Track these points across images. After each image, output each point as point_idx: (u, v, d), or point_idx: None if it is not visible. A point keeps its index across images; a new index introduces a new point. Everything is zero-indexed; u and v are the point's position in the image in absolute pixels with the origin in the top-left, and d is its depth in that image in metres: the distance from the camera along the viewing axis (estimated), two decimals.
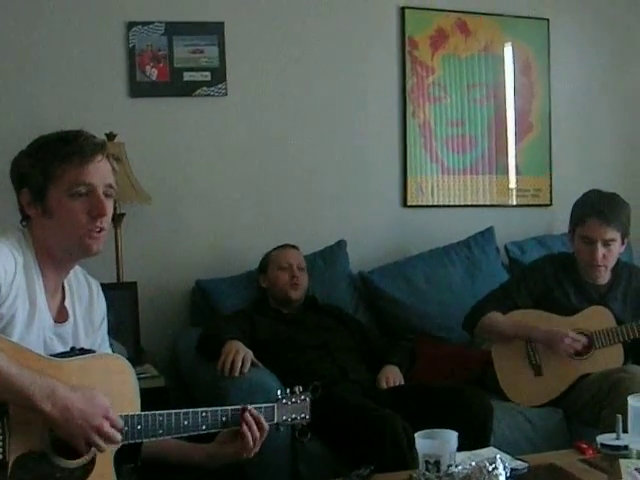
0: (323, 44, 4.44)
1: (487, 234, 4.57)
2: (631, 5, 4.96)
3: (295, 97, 4.40)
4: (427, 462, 2.30)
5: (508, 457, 2.46)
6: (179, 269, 4.20)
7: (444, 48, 4.64)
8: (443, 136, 4.66)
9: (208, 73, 4.24)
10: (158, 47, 4.17)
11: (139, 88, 4.16)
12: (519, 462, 2.48)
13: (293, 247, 3.96)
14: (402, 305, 4.23)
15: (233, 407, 2.42)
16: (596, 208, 3.64)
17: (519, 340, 3.70)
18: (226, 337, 3.37)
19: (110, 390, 2.17)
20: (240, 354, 3.25)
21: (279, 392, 2.56)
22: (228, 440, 2.44)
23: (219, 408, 2.39)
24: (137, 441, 2.21)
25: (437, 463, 2.29)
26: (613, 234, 3.63)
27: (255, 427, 2.41)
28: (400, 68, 4.57)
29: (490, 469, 2.22)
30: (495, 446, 2.75)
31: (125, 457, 2.24)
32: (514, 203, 4.84)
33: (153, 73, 4.17)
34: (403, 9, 4.55)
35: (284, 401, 2.53)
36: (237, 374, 3.20)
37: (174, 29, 4.18)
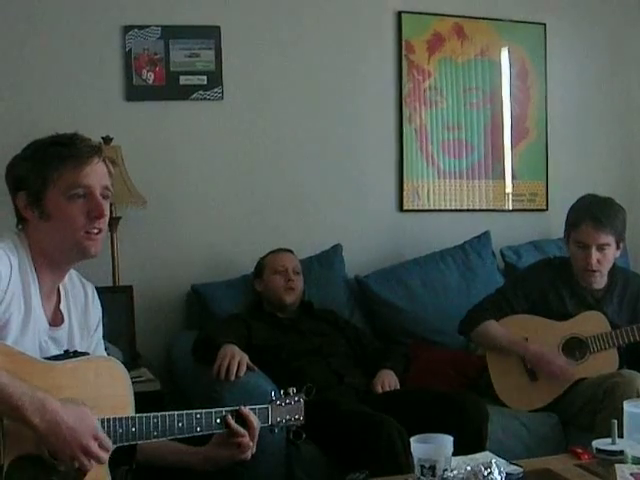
0: (319, 48, 4.44)
1: (483, 239, 4.57)
2: (627, 10, 4.96)
3: (291, 101, 4.40)
4: (422, 467, 2.30)
5: (503, 462, 2.45)
6: (175, 273, 4.20)
7: (441, 52, 4.64)
8: (439, 140, 4.66)
9: (204, 77, 4.24)
10: (154, 51, 4.17)
11: (135, 92, 4.16)
12: (514, 467, 2.47)
13: (288, 251, 3.96)
14: (398, 309, 4.24)
15: (227, 409, 2.41)
16: (590, 213, 3.64)
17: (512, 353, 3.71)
18: (221, 341, 3.36)
19: (104, 393, 2.18)
20: (236, 358, 3.25)
21: (273, 393, 2.56)
22: (224, 442, 2.44)
23: (213, 410, 2.38)
24: (131, 443, 2.21)
25: (432, 468, 2.28)
26: (607, 239, 3.63)
27: (243, 430, 2.40)
28: (396, 72, 4.57)
29: (485, 474, 2.22)
30: (490, 451, 2.75)
31: (120, 459, 2.23)
32: (510, 208, 4.84)
33: (149, 77, 4.17)
34: (400, 13, 4.56)
35: (278, 402, 2.53)
36: (233, 378, 3.19)
37: (170, 33, 4.18)
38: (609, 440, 2.59)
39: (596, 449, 2.60)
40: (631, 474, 2.38)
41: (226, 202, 4.30)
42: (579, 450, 2.71)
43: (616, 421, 2.58)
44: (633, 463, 2.44)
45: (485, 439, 3.17)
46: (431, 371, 3.89)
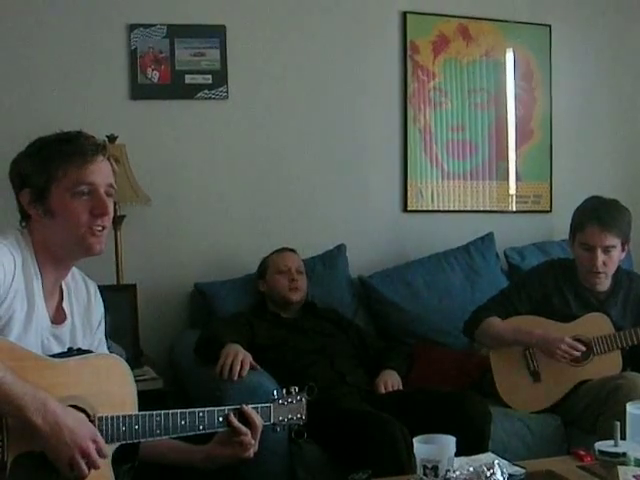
0: (324, 48, 4.45)
1: (487, 240, 4.57)
2: (632, 12, 4.96)
3: (296, 100, 4.41)
4: (425, 467, 2.30)
5: (506, 463, 2.45)
6: (178, 272, 4.20)
7: (445, 53, 4.64)
8: (444, 141, 4.66)
9: (209, 76, 4.24)
10: (160, 50, 4.17)
11: (140, 90, 4.17)
12: (517, 468, 2.48)
13: (291, 250, 3.96)
14: (401, 310, 4.24)
15: (230, 407, 2.42)
16: (596, 214, 3.63)
17: (518, 345, 3.70)
18: (225, 340, 3.37)
19: (107, 390, 2.18)
20: (239, 357, 3.25)
21: (275, 392, 2.56)
22: (226, 440, 2.44)
23: (216, 408, 2.39)
24: (135, 441, 2.21)
25: (435, 468, 2.28)
26: (613, 240, 3.63)
27: (245, 429, 2.40)
28: (401, 73, 4.57)
29: (488, 474, 2.22)
30: (493, 452, 2.75)
31: (123, 457, 2.24)
32: (514, 209, 4.84)
33: (154, 76, 4.17)
34: (405, 14, 4.55)
35: (280, 401, 2.54)
36: (236, 377, 3.19)
37: (176, 32, 4.19)
38: (612, 442, 2.58)
39: (599, 451, 2.59)
40: (634, 476, 2.37)
41: (230, 201, 4.31)
42: (581, 452, 2.72)
43: (619, 423, 2.58)
44: (636, 465, 2.44)
45: (488, 440, 3.17)
46: (434, 371, 3.88)
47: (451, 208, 4.69)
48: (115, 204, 3.84)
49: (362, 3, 4.51)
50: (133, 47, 4.14)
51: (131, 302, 3.85)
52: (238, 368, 3.20)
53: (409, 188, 4.60)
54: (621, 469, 2.42)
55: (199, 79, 4.23)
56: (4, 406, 1.94)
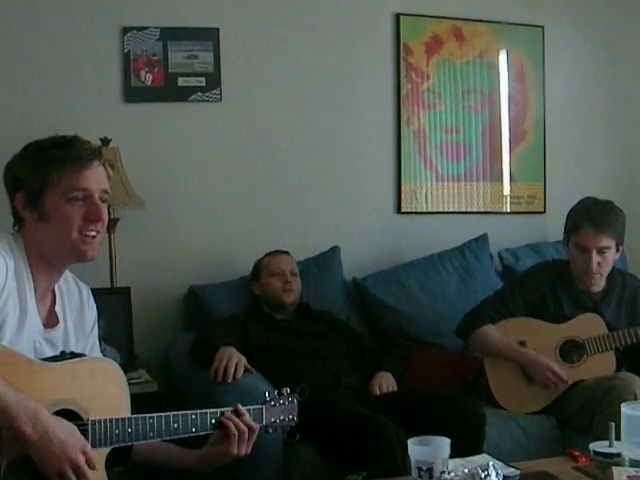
0: (318, 50, 4.45)
1: (481, 241, 4.57)
2: (626, 13, 4.97)
3: (289, 103, 4.41)
4: (420, 469, 2.30)
5: (501, 464, 2.45)
6: (172, 274, 4.20)
7: (439, 54, 4.64)
8: (437, 143, 4.66)
9: (203, 79, 4.24)
10: (153, 52, 4.17)
11: (134, 93, 4.16)
12: (511, 469, 2.47)
13: (284, 252, 3.96)
14: (395, 311, 4.23)
15: (223, 409, 2.41)
16: (590, 216, 3.64)
17: (508, 360, 3.71)
18: (219, 343, 3.37)
19: (100, 393, 2.18)
20: (233, 360, 3.25)
21: (267, 394, 2.55)
22: (219, 442, 2.43)
23: (208, 410, 2.38)
24: (127, 444, 2.21)
25: (430, 470, 2.29)
26: (608, 242, 3.63)
27: (241, 424, 2.39)
28: (395, 74, 4.57)
29: (483, 476, 2.22)
30: (488, 453, 2.75)
31: (116, 460, 2.23)
32: (508, 210, 4.84)
33: (148, 78, 4.17)
34: (398, 15, 4.55)
35: (272, 403, 2.53)
36: (230, 380, 3.19)
37: (169, 34, 4.18)
38: (606, 443, 2.59)
39: (593, 452, 2.59)
40: (628, 477, 2.38)
41: (224, 204, 4.30)
42: (576, 453, 2.72)
43: (614, 424, 2.58)
44: (630, 466, 2.44)
45: (482, 441, 3.18)
46: (429, 373, 3.88)
47: (445, 210, 4.69)
48: (109, 207, 3.85)
49: (355, 5, 4.51)
50: (126, 50, 4.14)
51: (125, 305, 3.85)
52: (232, 371, 3.21)
53: (403, 190, 4.60)
54: (616, 470, 2.43)
55: (192, 82, 4.23)
56: None
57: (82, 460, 2.03)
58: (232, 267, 4.19)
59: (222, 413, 2.40)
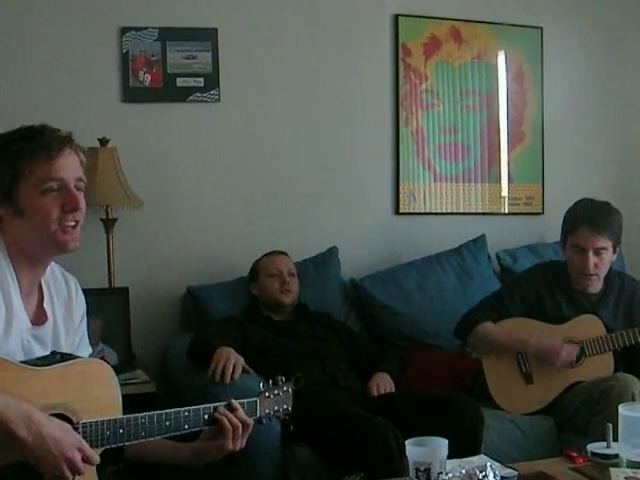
0: (316, 50, 4.44)
1: (479, 242, 4.57)
2: (624, 14, 4.97)
3: (288, 103, 4.40)
4: (417, 470, 2.30)
5: (498, 465, 2.45)
6: (170, 275, 4.20)
7: (437, 55, 4.64)
8: (435, 143, 4.66)
9: (201, 79, 4.23)
10: (151, 53, 4.17)
11: (132, 93, 4.16)
12: (509, 470, 2.47)
13: (282, 253, 3.96)
14: (393, 312, 4.23)
15: (216, 404, 2.39)
16: (587, 217, 3.65)
17: (512, 351, 3.71)
18: (217, 343, 3.37)
19: (91, 396, 2.16)
20: (231, 360, 3.25)
21: (261, 385, 2.53)
22: (212, 437, 2.41)
23: (201, 406, 2.36)
24: (120, 445, 2.20)
25: (427, 471, 2.29)
26: (604, 243, 3.64)
27: (235, 419, 2.37)
28: (393, 75, 4.57)
29: (480, 477, 2.22)
30: (485, 454, 2.75)
31: (108, 459, 2.22)
32: (506, 211, 4.84)
33: (146, 79, 4.17)
34: (397, 16, 4.55)
35: (266, 394, 2.51)
36: (228, 380, 3.19)
37: (167, 35, 4.18)
38: (604, 444, 2.60)
39: (591, 452, 2.60)
40: (626, 478, 2.38)
41: (222, 204, 4.30)
42: (574, 453, 2.72)
43: (611, 425, 2.59)
44: (628, 467, 2.45)
45: (480, 442, 3.18)
46: (426, 374, 3.88)
47: (443, 210, 4.69)
48: (107, 207, 3.86)
49: (354, 6, 4.51)
50: (125, 50, 4.14)
51: (123, 305, 3.84)
52: (230, 371, 3.21)
53: (401, 191, 4.60)
54: (613, 471, 2.43)
55: (191, 82, 4.22)
56: None
57: (78, 457, 2.02)
58: (230, 268, 4.19)
59: (215, 408, 2.38)
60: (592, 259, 3.64)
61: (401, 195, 4.60)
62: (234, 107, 4.31)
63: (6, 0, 3.97)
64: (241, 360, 3.29)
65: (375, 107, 4.57)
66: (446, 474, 2.26)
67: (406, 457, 2.37)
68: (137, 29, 4.15)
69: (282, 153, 4.40)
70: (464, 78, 4.71)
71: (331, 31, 4.46)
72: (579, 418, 3.50)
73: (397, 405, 3.37)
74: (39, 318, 2.30)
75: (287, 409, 2.56)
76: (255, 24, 4.33)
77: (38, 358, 2.19)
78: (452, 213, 4.71)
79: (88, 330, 2.53)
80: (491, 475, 2.23)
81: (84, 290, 2.50)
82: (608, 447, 2.58)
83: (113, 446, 2.17)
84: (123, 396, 2.30)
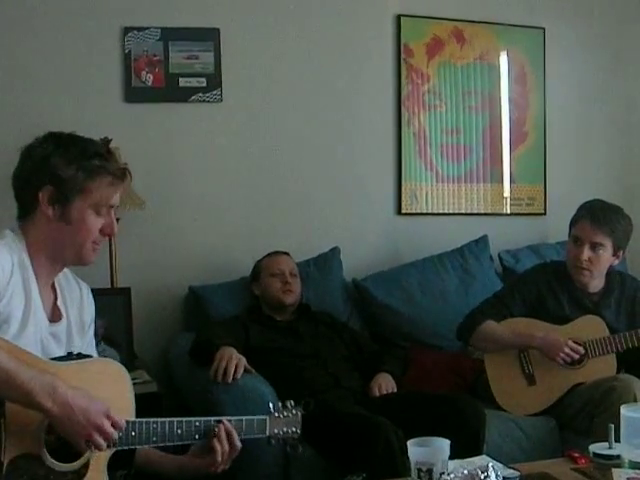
0: (319, 51, 4.45)
1: (481, 242, 4.57)
2: (626, 14, 4.97)
3: (290, 104, 4.40)
4: (419, 470, 2.30)
5: (500, 465, 2.45)
6: (173, 275, 4.20)
7: (440, 56, 4.65)
8: (438, 144, 4.66)
9: (203, 79, 4.23)
10: (154, 53, 4.17)
11: (134, 93, 4.16)
12: (511, 471, 2.47)
13: (284, 253, 3.96)
14: (395, 313, 4.23)
15: (225, 417, 2.43)
16: (590, 210, 3.68)
17: (516, 348, 3.70)
18: (219, 343, 3.36)
19: (106, 395, 2.18)
20: (233, 360, 3.24)
21: (271, 406, 2.57)
22: (199, 453, 2.45)
23: (212, 418, 2.40)
24: (130, 447, 2.21)
25: (429, 471, 2.29)
26: (602, 239, 3.63)
27: (225, 442, 2.40)
28: (395, 75, 4.57)
29: (482, 477, 2.22)
30: (488, 454, 2.75)
31: (118, 463, 2.24)
32: (508, 212, 4.84)
33: (148, 79, 4.17)
34: (399, 17, 4.55)
35: (276, 414, 2.55)
36: (230, 380, 3.19)
37: (170, 35, 4.18)
38: (606, 444, 2.59)
39: (593, 453, 2.60)
40: (628, 479, 2.38)
41: (224, 204, 4.30)
42: (576, 454, 2.72)
43: (613, 425, 2.58)
44: (630, 467, 2.45)
45: (482, 443, 3.17)
46: (428, 374, 3.88)
47: (445, 211, 4.69)
48: None
49: (356, 6, 4.51)
50: (127, 50, 4.14)
51: (125, 305, 3.85)
52: (232, 371, 3.20)
53: (403, 191, 4.60)
54: (615, 471, 2.43)
55: (193, 82, 4.23)
56: (12, 392, 1.95)
57: (107, 424, 2.07)
58: (232, 268, 4.18)
59: (215, 424, 2.40)
60: (587, 252, 3.64)
61: (403, 195, 4.60)
62: (236, 107, 4.31)
63: (9, 0, 3.97)
64: (243, 360, 3.29)
65: (377, 107, 4.57)
66: (448, 474, 2.26)
67: (408, 457, 2.37)
68: (139, 29, 4.15)
69: (284, 154, 4.40)
70: (466, 79, 4.71)
71: (333, 32, 4.46)
72: (581, 419, 3.50)
73: (399, 405, 3.36)
74: (55, 316, 2.36)
75: (296, 432, 2.59)
76: (257, 24, 4.33)
77: (53, 358, 2.22)
78: (454, 214, 4.71)
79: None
80: (493, 476, 2.23)
81: None
82: (610, 448, 2.57)
83: (125, 448, 2.19)
84: None
